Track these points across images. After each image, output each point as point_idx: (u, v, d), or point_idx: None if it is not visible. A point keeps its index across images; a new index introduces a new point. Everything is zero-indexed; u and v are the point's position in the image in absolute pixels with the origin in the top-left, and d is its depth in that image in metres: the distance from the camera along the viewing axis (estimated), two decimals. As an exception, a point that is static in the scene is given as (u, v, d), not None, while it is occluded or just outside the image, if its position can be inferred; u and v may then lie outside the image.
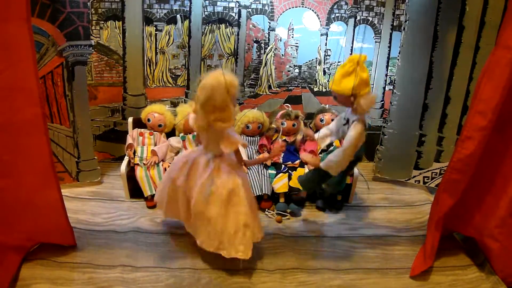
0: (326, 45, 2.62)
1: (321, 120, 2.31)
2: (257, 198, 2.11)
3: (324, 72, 2.67)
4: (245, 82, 2.62)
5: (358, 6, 2.54)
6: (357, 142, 1.58)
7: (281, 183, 2.12)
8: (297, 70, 2.67)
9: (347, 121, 1.65)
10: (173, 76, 2.55)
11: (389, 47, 2.62)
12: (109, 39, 2.38)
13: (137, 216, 2.03)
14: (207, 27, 2.47)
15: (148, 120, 2.23)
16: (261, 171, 2.16)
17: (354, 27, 2.59)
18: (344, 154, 1.60)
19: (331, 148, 2.25)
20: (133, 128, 2.30)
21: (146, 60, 2.48)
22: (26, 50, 1.40)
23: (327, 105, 2.42)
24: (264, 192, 2.10)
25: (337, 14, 2.56)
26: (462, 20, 2.11)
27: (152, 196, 2.04)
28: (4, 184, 1.51)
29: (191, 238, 1.85)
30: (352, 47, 2.63)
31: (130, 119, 2.30)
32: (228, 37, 2.52)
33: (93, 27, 2.33)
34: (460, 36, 2.14)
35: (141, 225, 1.95)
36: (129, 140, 2.24)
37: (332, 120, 2.28)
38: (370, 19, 2.58)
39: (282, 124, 2.26)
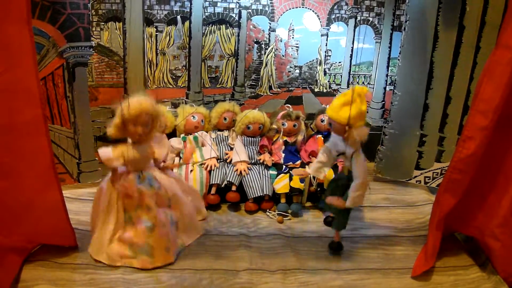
0: (326, 45, 2.62)
1: (322, 121, 2.31)
2: (258, 199, 2.11)
3: (325, 73, 2.67)
4: (246, 83, 2.63)
5: (359, 6, 2.54)
6: (366, 170, 1.64)
7: (282, 184, 2.12)
8: (297, 71, 2.67)
9: (343, 153, 1.67)
10: (174, 77, 2.55)
11: (390, 47, 2.62)
12: (109, 40, 2.38)
13: (138, 217, 2.03)
14: (207, 28, 2.47)
15: (149, 121, 2.23)
16: (262, 172, 2.16)
17: (355, 27, 2.60)
18: (363, 186, 1.64)
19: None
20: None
21: (147, 61, 2.48)
22: (26, 51, 1.41)
23: (327, 106, 2.42)
24: (265, 193, 2.10)
25: (337, 15, 2.56)
26: (463, 20, 2.11)
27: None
28: (4, 186, 1.51)
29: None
30: (352, 47, 2.64)
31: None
32: (229, 38, 2.52)
33: (93, 29, 2.33)
34: (461, 36, 2.14)
35: (142, 226, 1.95)
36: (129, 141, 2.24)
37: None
38: (371, 19, 2.58)
39: (283, 124, 2.26)
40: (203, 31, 2.47)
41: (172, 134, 2.33)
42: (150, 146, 1.67)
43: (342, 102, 1.53)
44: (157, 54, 2.49)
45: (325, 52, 2.63)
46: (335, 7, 2.54)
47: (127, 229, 1.69)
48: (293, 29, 2.56)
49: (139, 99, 1.57)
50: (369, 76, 2.71)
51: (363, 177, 1.63)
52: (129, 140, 1.64)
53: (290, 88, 2.69)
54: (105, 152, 1.63)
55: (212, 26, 2.48)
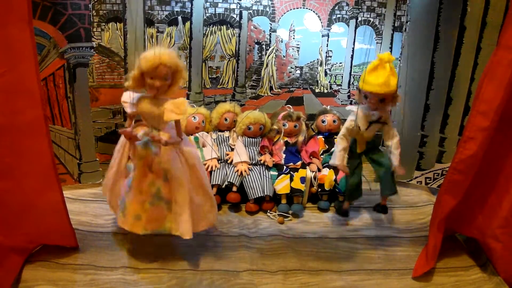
0: (327, 46, 2.62)
1: (323, 121, 2.31)
2: (259, 200, 2.11)
3: (326, 73, 2.67)
4: (247, 84, 2.63)
5: (359, 7, 2.54)
6: None
7: (283, 184, 2.12)
8: (298, 71, 2.67)
9: (377, 121, 1.73)
10: (175, 77, 2.55)
11: (391, 48, 2.62)
12: (110, 41, 2.38)
13: (139, 217, 2.02)
14: (208, 28, 2.47)
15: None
16: (263, 173, 2.16)
17: (356, 28, 2.59)
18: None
19: (333, 149, 2.25)
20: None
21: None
22: (27, 52, 1.40)
23: (328, 106, 2.42)
24: (266, 194, 2.10)
25: (338, 15, 2.56)
26: (464, 20, 2.10)
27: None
28: (5, 186, 1.51)
29: (193, 240, 1.85)
30: (353, 48, 2.63)
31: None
32: (230, 38, 2.52)
33: (94, 29, 2.33)
34: (462, 36, 2.14)
35: (143, 227, 1.95)
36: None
37: (334, 121, 2.29)
38: (371, 20, 2.58)
39: (283, 125, 2.26)
40: (204, 32, 2.47)
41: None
42: (163, 104, 1.52)
43: (387, 74, 1.57)
44: (158, 55, 2.49)
45: (326, 52, 2.63)
46: (336, 7, 2.54)
47: (125, 177, 1.68)
48: (294, 30, 2.56)
49: (159, 51, 1.47)
50: (370, 77, 2.70)
51: (397, 134, 1.76)
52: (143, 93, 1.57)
53: (291, 89, 2.69)
54: (128, 95, 1.58)
55: (213, 26, 2.48)
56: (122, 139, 1.68)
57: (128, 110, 1.57)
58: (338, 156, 1.80)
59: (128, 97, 1.57)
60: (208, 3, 2.42)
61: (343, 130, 1.80)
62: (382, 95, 1.62)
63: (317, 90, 2.71)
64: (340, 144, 1.80)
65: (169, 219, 1.65)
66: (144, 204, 1.61)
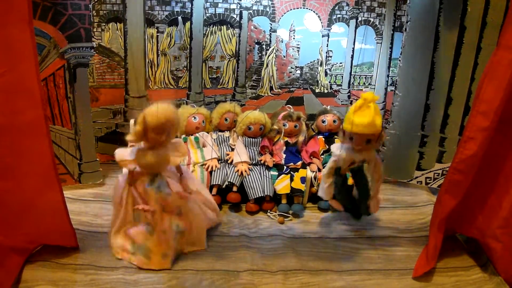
0: (327, 46, 2.62)
1: (323, 121, 2.31)
2: (259, 200, 2.11)
3: (326, 73, 2.67)
4: (247, 84, 2.63)
5: (359, 7, 2.54)
6: None
7: (283, 184, 2.12)
8: (298, 72, 2.67)
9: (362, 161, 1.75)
10: (175, 77, 2.55)
11: (391, 48, 2.62)
12: (110, 41, 2.38)
13: (139, 217, 2.02)
14: (208, 28, 2.47)
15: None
16: (263, 173, 2.16)
17: (356, 28, 2.60)
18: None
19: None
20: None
21: (148, 62, 2.49)
22: (28, 52, 1.40)
23: (328, 106, 2.42)
24: (266, 194, 2.10)
25: (338, 15, 2.56)
26: (464, 20, 2.10)
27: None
28: (6, 186, 1.51)
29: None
30: (353, 48, 2.64)
31: (131, 121, 2.29)
32: (230, 38, 2.52)
33: (94, 29, 2.33)
34: (462, 36, 2.14)
35: (143, 227, 1.95)
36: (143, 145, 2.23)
37: (334, 121, 2.29)
38: (372, 20, 2.58)
39: (284, 125, 2.26)
40: (204, 32, 2.48)
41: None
42: (166, 152, 1.63)
43: (373, 114, 1.56)
44: (158, 55, 2.50)
45: (326, 52, 2.63)
46: (336, 7, 2.55)
47: (133, 225, 1.71)
48: (294, 30, 2.56)
49: (164, 108, 1.53)
50: (370, 77, 2.71)
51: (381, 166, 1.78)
52: (142, 144, 1.61)
53: (291, 89, 2.69)
54: (121, 153, 1.64)
55: (213, 27, 2.48)
56: (120, 190, 1.72)
57: (130, 166, 1.64)
58: (327, 193, 1.88)
59: (124, 155, 1.64)
60: (208, 3, 2.42)
61: (327, 169, 1.84)
62: (369, 136, 1.62)
63: (317, 90, 2.71)
64: (326, 181, 1.85)
65: (183, 244, 1.77)
66: (169, 242, 1.69)
